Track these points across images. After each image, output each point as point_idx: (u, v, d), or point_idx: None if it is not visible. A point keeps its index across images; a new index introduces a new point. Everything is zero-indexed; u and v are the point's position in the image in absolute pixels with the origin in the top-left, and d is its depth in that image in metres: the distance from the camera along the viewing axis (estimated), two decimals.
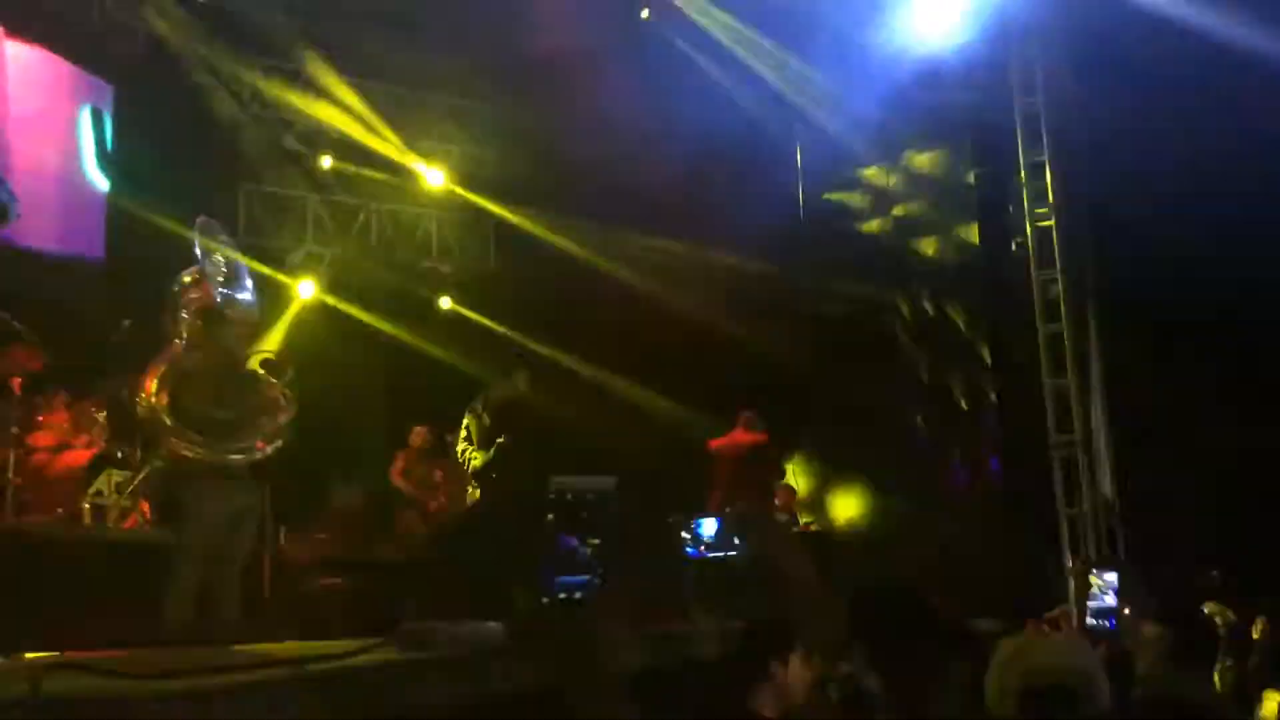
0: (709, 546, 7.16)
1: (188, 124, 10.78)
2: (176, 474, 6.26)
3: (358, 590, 8.31)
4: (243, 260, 7.38)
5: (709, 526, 7.30)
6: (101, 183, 10.60)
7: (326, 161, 12.38)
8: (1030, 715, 2.41)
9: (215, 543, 6.02)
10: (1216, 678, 4.37)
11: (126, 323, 8.59)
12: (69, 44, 10.19)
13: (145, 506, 8.66)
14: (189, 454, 5.99)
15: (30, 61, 9.99)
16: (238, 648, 4.59)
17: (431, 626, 3.46)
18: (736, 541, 6.83)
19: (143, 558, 7.78)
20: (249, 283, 7.23)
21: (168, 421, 5.98)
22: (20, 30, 9.79)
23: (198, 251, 6.84)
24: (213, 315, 6.47)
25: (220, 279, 6.91)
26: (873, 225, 12.26)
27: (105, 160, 10.57)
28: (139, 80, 10.62)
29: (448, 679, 3.01)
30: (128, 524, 8.24)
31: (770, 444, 10.17)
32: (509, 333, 12.77)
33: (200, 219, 7.13)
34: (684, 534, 7.26)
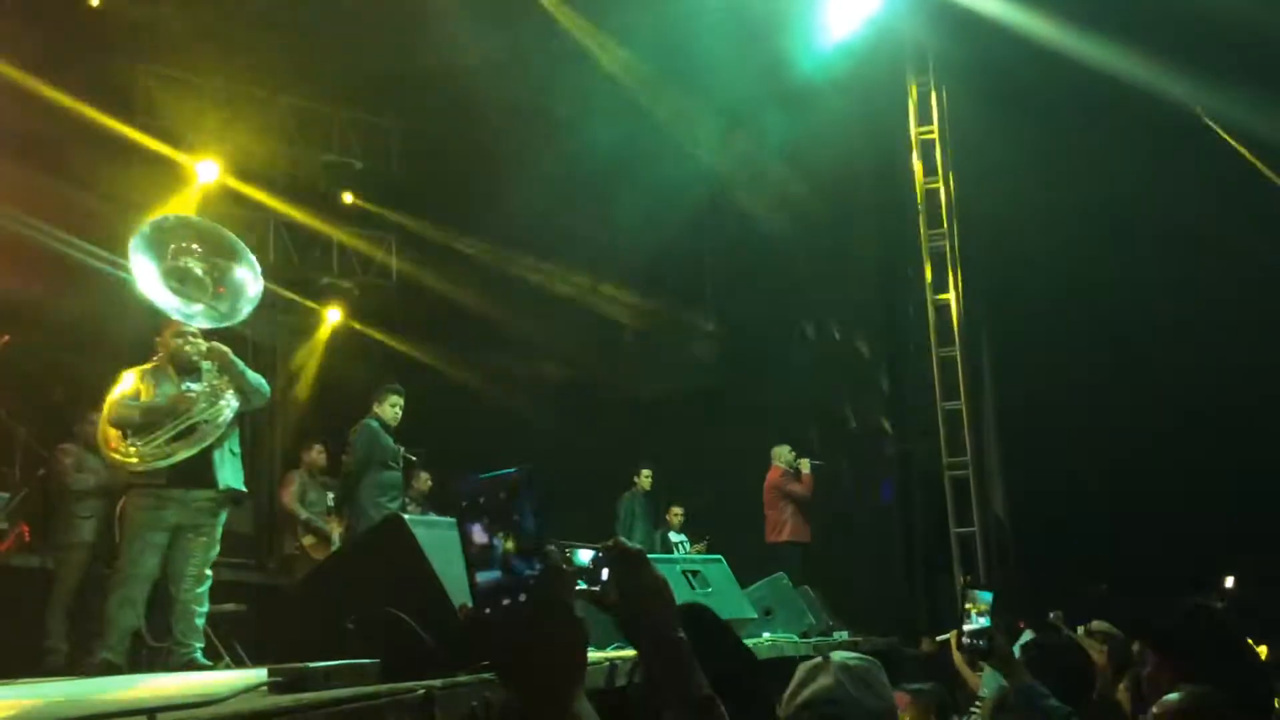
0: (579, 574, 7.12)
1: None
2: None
3: (247, 617, 8.14)
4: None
5: (584, 556, 7.24)
6: None
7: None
8: None
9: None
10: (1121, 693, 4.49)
11: (6, 337, 8.35)
12: None
13: (25, 528, 8.41)
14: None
15: None
16: (94, 688, 4.45)
17: (304, 666, 3.37)
18: (604, 576, 6.78)
19: (19, 582, 7.58)
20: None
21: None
22: None
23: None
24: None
25: None
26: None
27: None
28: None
29: None
30: (4, 546, 7.98)
31: (772, 480, 10.32)
32: (406, 347, 12.61)
33: None
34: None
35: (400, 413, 8.45)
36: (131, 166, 10.27)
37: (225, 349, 6.13)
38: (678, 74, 11.06)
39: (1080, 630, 6.30)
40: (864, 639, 8.65)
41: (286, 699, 3.07)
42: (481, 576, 1.31)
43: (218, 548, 6.19)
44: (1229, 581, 9.46)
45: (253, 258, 6.37)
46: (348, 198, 12.95)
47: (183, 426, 5.88)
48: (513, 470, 1.36)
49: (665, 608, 1.48)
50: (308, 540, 9.31)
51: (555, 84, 11.11)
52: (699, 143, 11.41)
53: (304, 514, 9.36)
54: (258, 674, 3.62)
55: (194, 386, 5.99)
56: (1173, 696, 2.84)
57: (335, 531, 9.08)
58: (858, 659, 2.47)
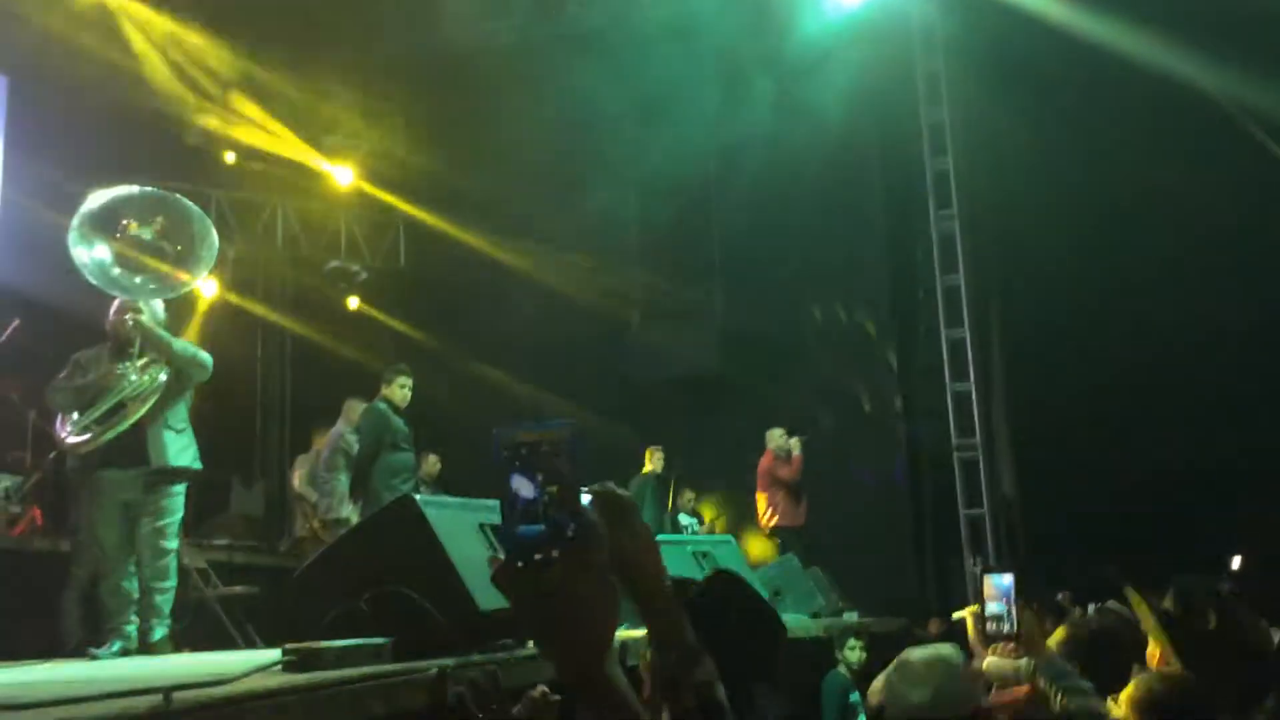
0: None
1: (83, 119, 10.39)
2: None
3: (259, 599, 8.18)
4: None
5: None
6: None
7: (230, 157, 12.10)
8: None
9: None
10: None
11: (15, 322, 8.36)
12: None
13: (37, 512, 8.45)
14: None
15: None
16: (110, 669, 4.48)
17: (317, 645, 3.39)
18: None
19: (34, 566, 7.61)
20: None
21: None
22: None
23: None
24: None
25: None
26: None
27: None
28: (30, 74, 10.20)
29: (333, 706, 2.95)
30: (17, 530, 8.01)
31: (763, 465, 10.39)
32: (416, 333, 12.63)
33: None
34: None
35: (409, 394, 8.46)
36: None
37: (147, 323, 5.90)
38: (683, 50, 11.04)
39: (1091, 611, 6.32)
40: (874, 620, 8.68)
41: (301, 678, 3.10)
42: (522, 529, 1.30)
43: (170, 521, 5.89)
44: (1235, 563, 9.45)
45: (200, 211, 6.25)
46: None
47: (110, 404, 5.72)
48: (558, 422, 1.35)
49: (654, 557, 1.49)
50: (318, 522, 9.35)
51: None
52: (704, 119, 11.36)
53: (314, 496, 9.39)
54: (272, 654, 3.65)
55: (127, 365, 5.81)
56: (1144, 680, 2.83)
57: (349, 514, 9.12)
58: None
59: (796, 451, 10.45)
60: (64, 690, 2.93)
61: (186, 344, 6.13)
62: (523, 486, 1.30)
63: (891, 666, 2.68)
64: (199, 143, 11.82)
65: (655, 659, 1.53)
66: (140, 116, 10.93)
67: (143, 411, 5.73)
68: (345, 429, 9.19)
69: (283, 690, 2.84)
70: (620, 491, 1.48)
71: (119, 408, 5.72)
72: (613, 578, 1.32)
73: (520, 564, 1.27)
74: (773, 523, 10.44)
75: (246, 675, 3.02)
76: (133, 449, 5.75)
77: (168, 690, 2.46)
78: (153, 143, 10.76)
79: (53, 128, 10.02)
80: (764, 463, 10.60)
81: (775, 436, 10.58)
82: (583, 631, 1.28)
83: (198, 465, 6.07)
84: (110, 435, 5.67)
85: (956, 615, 7.87)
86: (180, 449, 5.92)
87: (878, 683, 2.69)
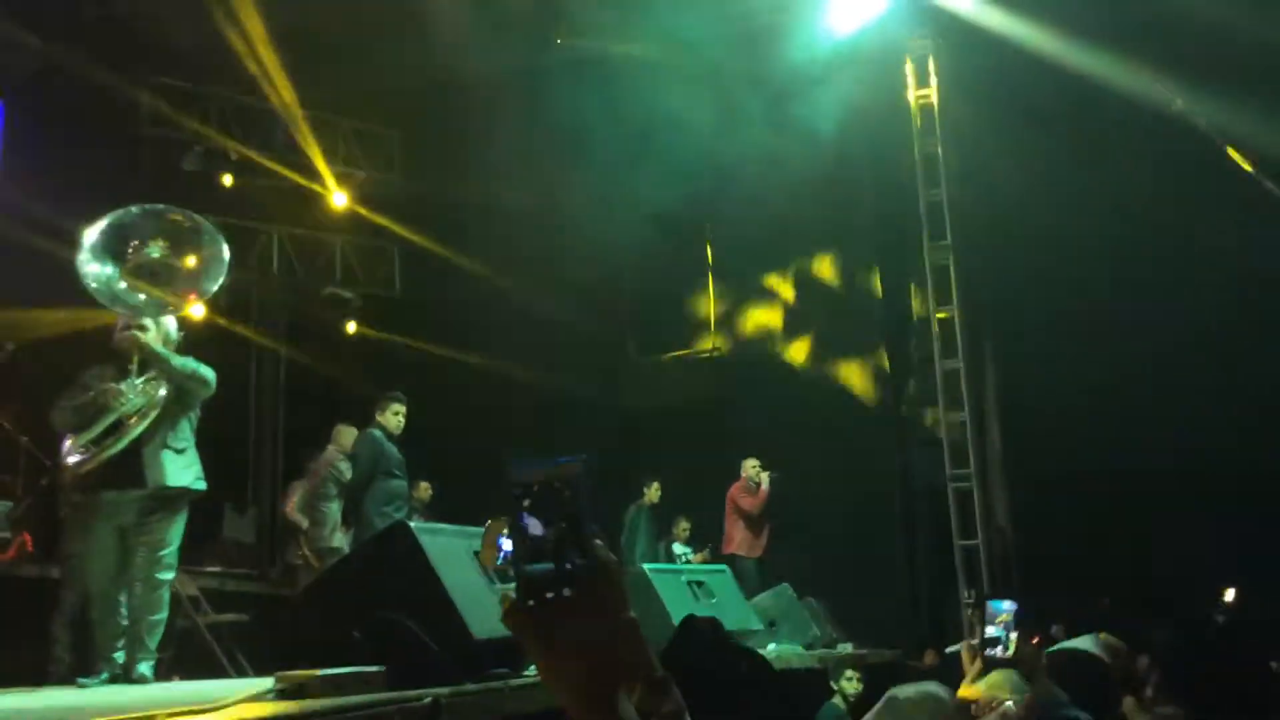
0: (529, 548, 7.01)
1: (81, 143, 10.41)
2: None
3: (250, 626, 8.13)
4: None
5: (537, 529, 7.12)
6: None
7: (226, 180, 12.11)
8: None
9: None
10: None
11: (10, 346, 8.34)
12: None
13: (27, 538, 8.40)
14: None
15: None
16: (100, 696, 4.44)
17: (310, 673, 3.36)
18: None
19: (24, 591, 7.56)
20: None
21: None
22: None
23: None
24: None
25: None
26: None
27: None
28: (29, 97, 10.23)
29: None
30: (7, 556, 7.96)
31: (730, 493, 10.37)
32: (411, 359, 12.61)
33: None
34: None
35: (403, 421, 8.44)
36: None
37: (142, 339, 5.75)
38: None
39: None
40: (869, 651, 8.64)
41: (293, 705, 3.08)
42: (534, 569, 1.28)
43: (168, 551, 5.71)
44: (1229, 595, 9.43)
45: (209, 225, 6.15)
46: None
47: (108, 423, 5.56)
48: (570, 459, 1.34)
49: (618, 586, 1.48)
50: (310, 550, 9.30)
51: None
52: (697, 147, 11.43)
53: (306, 523, 9.35)
54: (263, 682, 3.62)
55: (126, 382, 5.67)
56: None
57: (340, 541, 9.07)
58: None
59: (765, 485, 10.50)
60: (61, 717, 2.91)
61: (187, 359, 5.94)
62: (532, 526, 1.29)
63: (880, 705, 2.66)
64: (196, 167, 11.85)
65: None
66: (137, 141, 10.99)
67: (141, 429, 5.60)
68: (337, 455, 9.16)
69: (275, 718, 2.82)
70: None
71: (117, 426, 5.59)
72: (632, 615, 1.31)
73: (531, 603, 1.26)
74: (729, 549, 10.46)
75: (239, 703, 2.99)
76: (130, 469, 5.59)
77: (159, 716, 2.44)
78: (151, 166, 10.79)
79: (49, 151, 10.03)
80: (732, 490, 10.67)
81: (748, 466, 10.65)
82: (594, 671, 1.26)
83: (200, 486, 5.88)
84: (108, 454, 5.53)
85: (951, 649, 7.85)
86: (180, 468, 5.74)
87: None
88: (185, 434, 5.86)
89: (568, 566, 1.27)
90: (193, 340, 10.32)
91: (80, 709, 3.61)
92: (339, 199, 12.59)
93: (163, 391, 5.70)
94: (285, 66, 11.33)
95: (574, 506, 1.29)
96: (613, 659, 1.26)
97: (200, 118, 11.78)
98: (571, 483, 1.31)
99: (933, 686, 2.89)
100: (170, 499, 5.74)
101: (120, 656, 5.52)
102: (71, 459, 5.62)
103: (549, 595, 1.25)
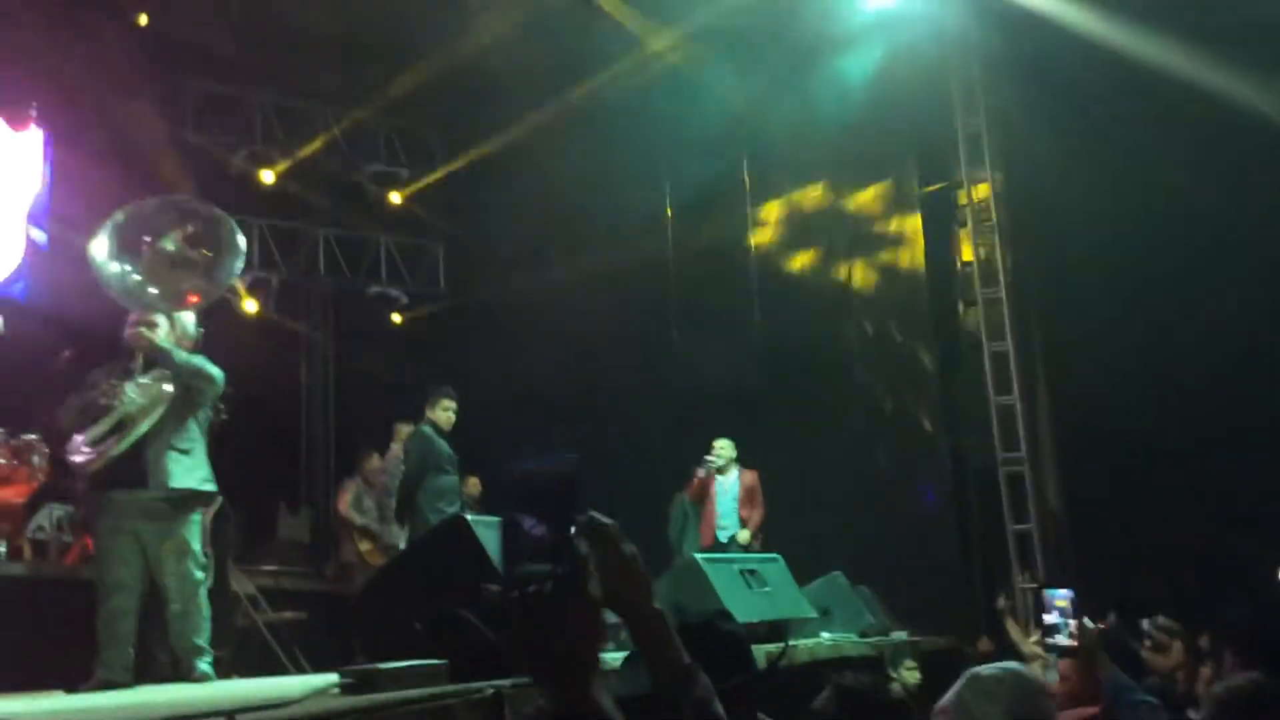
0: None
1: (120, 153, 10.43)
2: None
3: (307, 624, 8.23)
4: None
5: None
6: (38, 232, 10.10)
7: (269, 176, 12.20)
8: None
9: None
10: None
11: (66, 353, 8.46)
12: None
13: (89, 541, 8.52)
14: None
15: None
16: (171, 694, 4.50)
17: (374, 668, 3.40)
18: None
19: (84, 595, 7.68)
20: None
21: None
22: None
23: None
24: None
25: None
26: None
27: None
28: (66, 114, 10.22)
29: None
30: (69, 559, 8.08)
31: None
32: (458, 354, 12.68)
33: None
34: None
35: (454, 416, 8.48)
36: None
37: (149, 335, 5.67)
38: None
39: (1145, 625, 6.25)
40: (922, 639, 8.60)
41: (360, 699, 3.11)
42: (531, 567, 1.37)
43: (194, 551, 5.66)
44: None
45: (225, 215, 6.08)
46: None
47: (113, 422, 5.50)
48: (563, 459, 1.40)
49: (641, 581, 1.56)
50: (365, 547, 9.39)
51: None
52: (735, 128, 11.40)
53: (360, 520, 9.44)
54: (327, 678, 3.67)
55: (131, 380, 5.61)
56: (1229, 683, 2.82)
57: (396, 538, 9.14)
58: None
59: (701, 474, 9.98)
60: (130, 714, 2.95)
61: (192, 356, 5.83)
62: (530, 525, 1.37)
63: (961, 682, 2.65)
64: (243, 170, 11.98)
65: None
66: (183, 145, 11.10)
67: (145, 427, 5.52)
68: (400, 454, 9.23)
69: (342, 712, 2.85)
70: (605, 520, 1.53)
71: (121, 425, 5.52)
72: (596, 604, 1.40)
73: (513, 595, 1.34)
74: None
75: (307, 698, 3.03)
76: (135, 469, 5.52)
77: (231, 713, 2.48)
78: (196, 171, 10.88)
79: (94, 162, 10.08)
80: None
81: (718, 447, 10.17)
82: (569, 659, 1.35)
83: (208, 488, 5.78)
84: (114, 453, 5.48)
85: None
86: (186, 470, 5.65)
87: (945, 701, 2.65)
88: (193, 434, 5.77)
89: (554, 567, 1.35)
90: (243, 342, 10.54)
91: (153, 705, 3.67)
92: (383, 200, 12.70)
93: (168, 389, 5.62)
94: (327, 67, 11.43)
95: (559, 502, 1.37)
96: (586, 646, 1.34)
97: (244, 121, 11.93)
98: (560, 480, 1.38)
99: (1017, 665, 2.88)
100: (180, 501, 5.66)
101: (117, 659, 5.48)
102: (77, 458, 5.59)
103: (530, 588, 1.33)
